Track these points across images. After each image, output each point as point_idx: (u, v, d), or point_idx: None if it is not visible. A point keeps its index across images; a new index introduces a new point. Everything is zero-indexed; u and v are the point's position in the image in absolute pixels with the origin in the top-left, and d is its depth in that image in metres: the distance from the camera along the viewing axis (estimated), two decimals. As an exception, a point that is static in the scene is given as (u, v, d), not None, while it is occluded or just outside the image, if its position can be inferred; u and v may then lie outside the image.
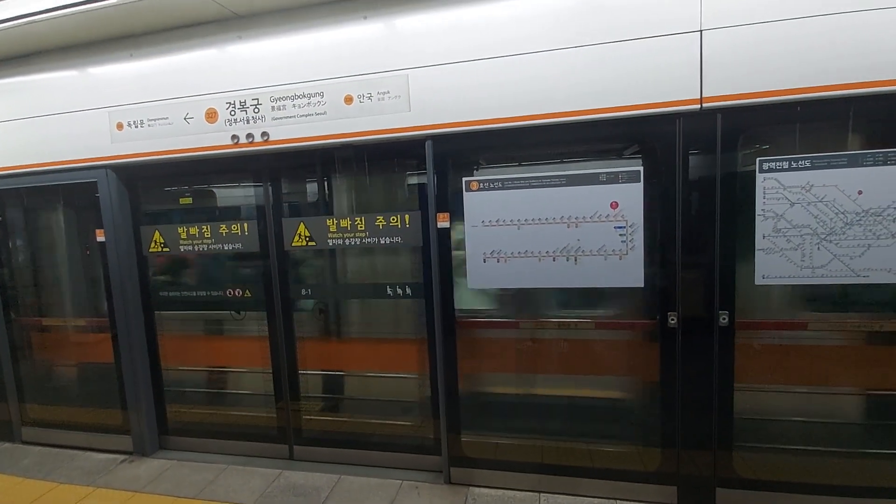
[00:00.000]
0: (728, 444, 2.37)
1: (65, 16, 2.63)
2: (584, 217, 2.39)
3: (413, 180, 2.95)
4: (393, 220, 2.72)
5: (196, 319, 3.52)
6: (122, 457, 3.28)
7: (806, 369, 2.47)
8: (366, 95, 2.54)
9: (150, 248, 3.15)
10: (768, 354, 2.46)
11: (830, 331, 2.39)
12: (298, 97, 2.63)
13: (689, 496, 2.45)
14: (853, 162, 2.10)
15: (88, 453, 3.36)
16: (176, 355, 3.41)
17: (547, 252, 2.45)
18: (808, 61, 2.05)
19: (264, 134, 2.70)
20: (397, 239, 2.73)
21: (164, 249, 3.12)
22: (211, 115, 2.77)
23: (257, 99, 2.69)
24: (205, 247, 3.03)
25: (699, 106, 2.17)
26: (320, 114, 2.62)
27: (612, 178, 2.34)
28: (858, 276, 2.15)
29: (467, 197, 2.51)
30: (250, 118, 2.72)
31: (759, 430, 2.50)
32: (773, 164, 2.18)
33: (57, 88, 3.03)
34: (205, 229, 3.01)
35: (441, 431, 2.75)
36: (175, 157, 2.87)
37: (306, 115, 2.64)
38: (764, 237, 2.22)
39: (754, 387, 2.46)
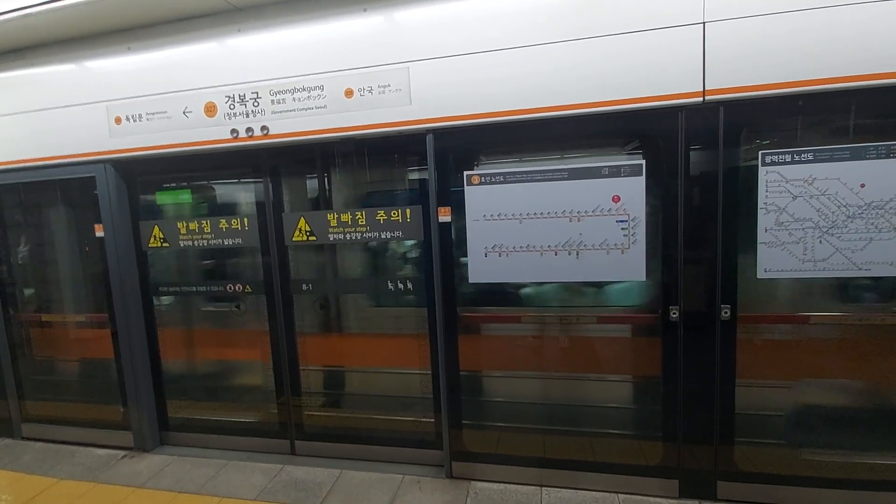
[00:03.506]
0: (730, 437, 2.38)
1: (61, 8, 2.60)
2: (585, 211, 2.38)
3: (414, 174, 2.94)
4: (394, 214, 2.70)
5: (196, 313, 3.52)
6: (122, 452, 3.28)
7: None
8: (366, 89, 2.52)
9: (149, 242, 3.13)
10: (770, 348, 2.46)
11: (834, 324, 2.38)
12: (298, 91, 2.61)
13: (690, 489, 2.45)
14: (856, 155, 2.09)
15: (89, 449, 3.35)
16: (176, 351, 3.40)
17: (549, 246, 2.44)
18: (811, 53, 2.03)
19: (264, 128, 2.68)
20: (398, 233, 2.72)
21: (164, 245, 3.10)
22: (210, 109, 2.75)
23: (257, 92, 2.67)
24: (205, 242, 3.02)
25: (702, 99, 2.16)
26: (320, 107, 2.59)
27: (615, 172, 2.33)
28: (860, 269, 2.15)
29: (468, 191, 2.50)
30: (250, 112, 2.69)
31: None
32: (776, 157, 2.17)
33: (54, 82, 3.00)
34: (204, 224, 3.00)
35: (442, 426, 2.75)
36: (174, 152, 2.85)
37: (306, 109, 2.61)
38: (766, 230, 2.21)
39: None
